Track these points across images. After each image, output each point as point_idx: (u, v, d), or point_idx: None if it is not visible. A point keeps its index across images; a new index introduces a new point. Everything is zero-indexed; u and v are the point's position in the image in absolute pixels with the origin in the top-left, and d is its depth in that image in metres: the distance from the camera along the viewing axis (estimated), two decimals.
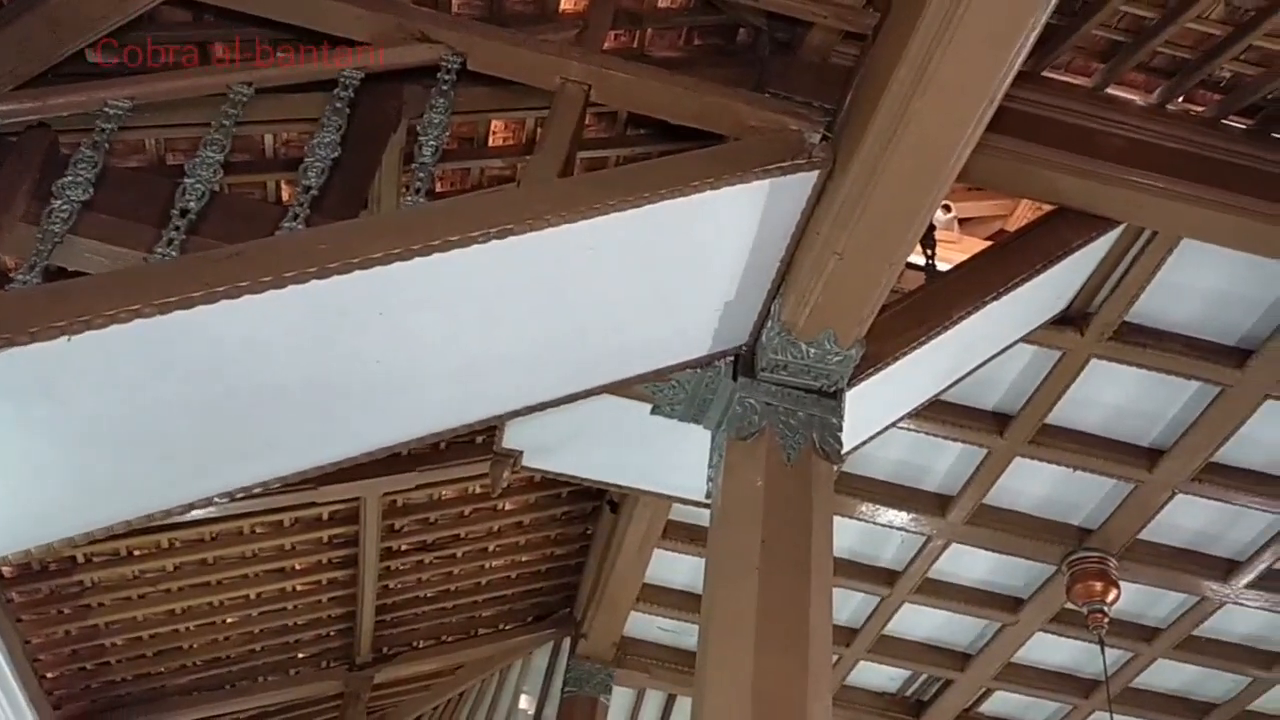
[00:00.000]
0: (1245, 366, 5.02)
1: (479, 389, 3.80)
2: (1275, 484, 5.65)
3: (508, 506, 7.00)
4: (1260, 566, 6.08)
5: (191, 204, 3.23)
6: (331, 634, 7.49)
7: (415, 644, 7.82)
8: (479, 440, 5.94)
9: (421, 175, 3.37)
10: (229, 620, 6.94)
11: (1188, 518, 5.96)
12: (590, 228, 3.31)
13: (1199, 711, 7.33)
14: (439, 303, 3.35)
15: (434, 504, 6.74)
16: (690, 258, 3.69)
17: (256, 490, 3.75)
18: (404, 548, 6.93)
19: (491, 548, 7.22)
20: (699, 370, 4.04)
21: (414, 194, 3.34)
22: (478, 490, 6.70)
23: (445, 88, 3.52)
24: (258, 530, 6.36)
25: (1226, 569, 6.19)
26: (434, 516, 6.81)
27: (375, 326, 3.30)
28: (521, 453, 4.76)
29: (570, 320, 3.68)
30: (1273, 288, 4.78)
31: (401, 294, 3.23)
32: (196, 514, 5.71)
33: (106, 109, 3.35)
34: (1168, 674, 7.13)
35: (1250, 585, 6.19)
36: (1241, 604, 6.34)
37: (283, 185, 4.40)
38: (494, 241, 3.17)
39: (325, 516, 6.44)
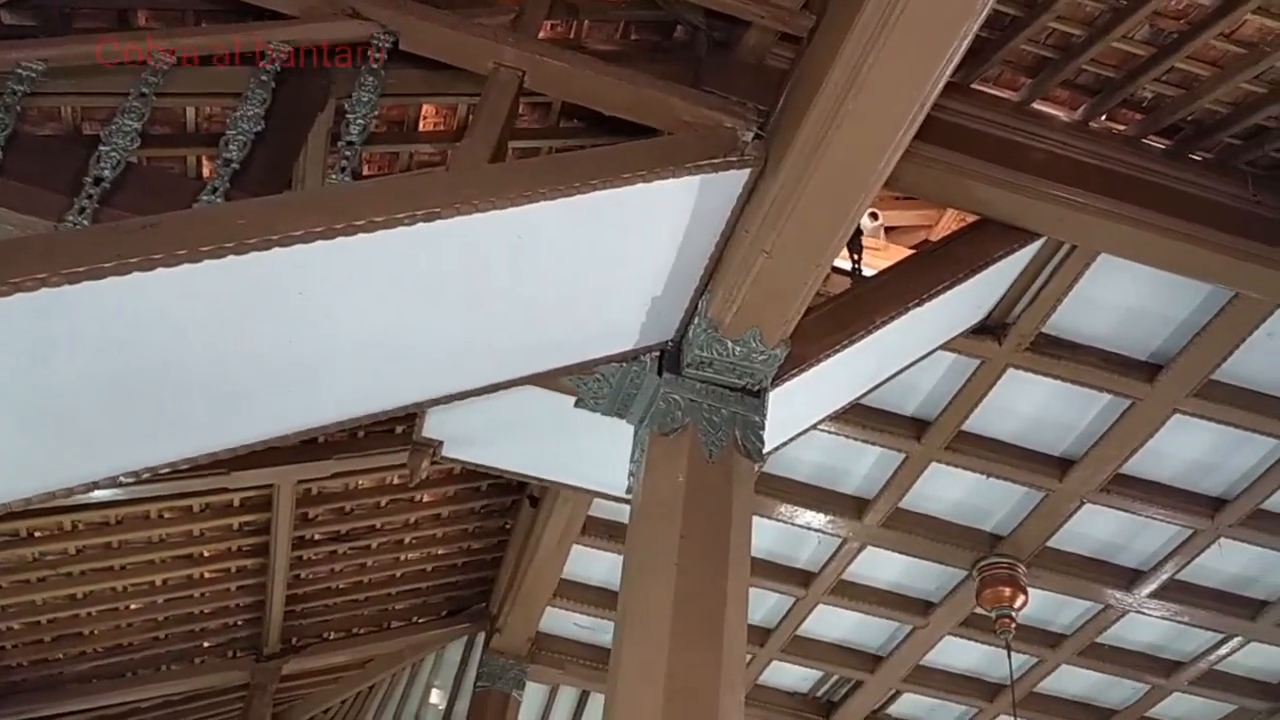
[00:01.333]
0: (1155, 381, 5.16)
1: (399, 375, 3.73)
2: (1180, 496, 5.82)
3: (426, 498, 6.92)
4: (1163, 577, 6.26)
5: (106, 172, 3.12)
6: (239, 623, 7.34)
7: (325, 635, 7.70)
8: (398, 430, 5.87)
9: (348, 154, 3.30)
10: (132, 607, 6.77)
11: (1095, 527, 6.11)
12: (519, 215, 3.27)
13: (1100, 717, 7.53)
14: (361, 285, 3.28)
15: (350, 493, 6.64)
16: (619, 250, 3.68)
17: (164, 471, 3.64)
18: (317, 537, 6.81)
19: (407, 539, 7.14)
20: (624, 364, 4.02)
21: (339, 173, 3.27)
22: (395, 481, 6.61)
23: (375, 66, 3.45)
24: (166, 515, 6.21)
25: (1130, 578, 6.36)
26: (349, 506, 6.71)
27: (294, 306, 3.23)
28: (441, 443, 4.70)
29: (495, 308, 3.64)
30: (1184, 305, 4.91)
31: (322, 274, 3.16)
32: (102, 496, 5.56)
33: (19, 70, 3.23)
34: (1071, 680, 7.31)
35: (1153, 595, 6.37)
36: (1144, 613, 6.52)
37: (203, 161, 4.29)
38: (420, 224, 3.12)
39: (236, 503, 6.31)
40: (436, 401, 3.94)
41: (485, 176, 3.29)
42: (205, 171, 4.24)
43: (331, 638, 7.72)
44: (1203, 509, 5.84)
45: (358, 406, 3.77)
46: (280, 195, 3.28)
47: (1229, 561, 6.19)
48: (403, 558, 7.32)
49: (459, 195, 3.18)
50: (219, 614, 7.18)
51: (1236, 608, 6.46)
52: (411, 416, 4.59)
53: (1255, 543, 6.01)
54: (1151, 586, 6.31)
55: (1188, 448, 5.58)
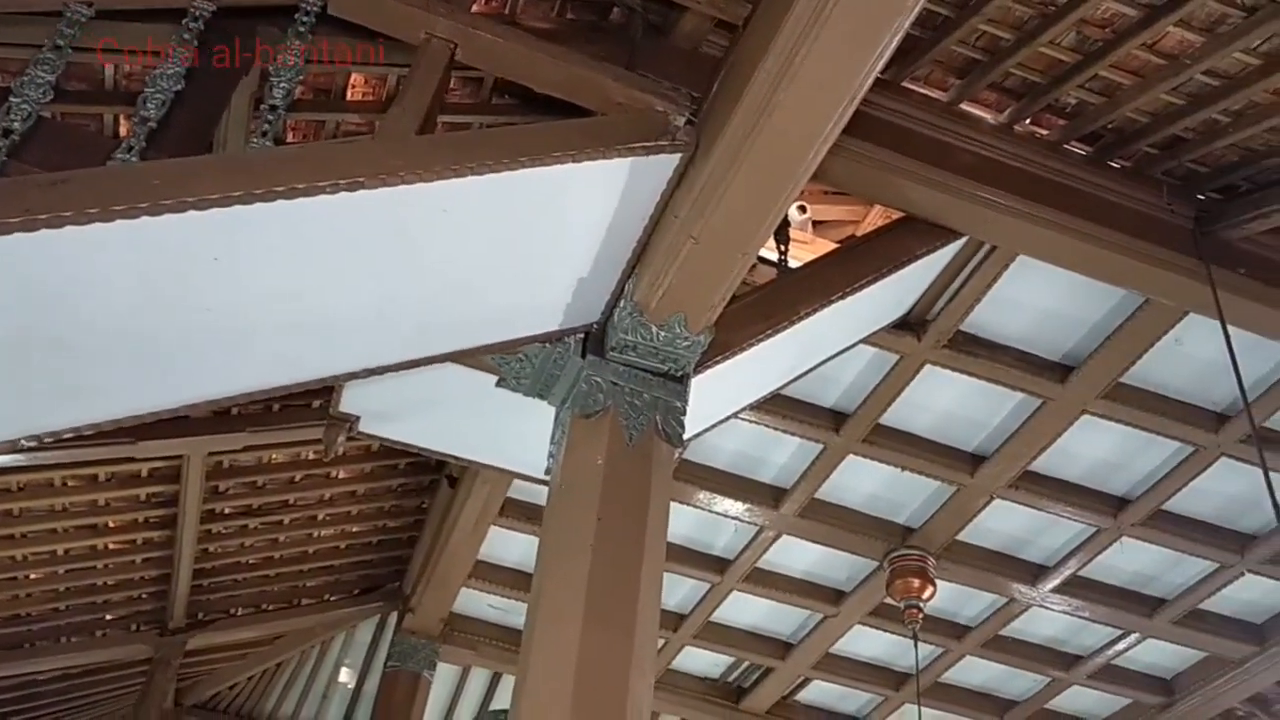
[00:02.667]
0: (1066, 382, 5.28)
1: (316, 346, 3.67)
2: (1085, 495, 5.97)
3: (341, 474, 6.83)
4: (1066, 572, 6.42)
5: (16, 124, 3.00)
6: (143, 596, 7.18)
7: (233, 611, 7.57)
8: (314, 404, 5.77)
9: (271, 119, 3.22)
10: (32, 576, 6.59)
11: (1003, 522, 6.25)
12: (446, 189, 3.23)
13: (1001, 708, 7.72)
14: (279, 253, 3.21)
15: (262, 467, 6.52)
16: (547, 230, 3.65)
17: (69, 437, 3.53)
18: (227, 511, 6.68)
19: (321, 516, 7.04)
20: (548, 345, 4.00)
21: (261, 138, 3.18)
22: (310, 456, 6.52)
23: (302, 29, 3.37)
24: (70, 484, 6.04)
25: (1035, 573, 6.51)
26: (262, 480, 6.59)
27: (208, 271, 3.15)
28: (358, 417, 4.63)
29: (418, 283, 3.59)
30: (1097, 308, 5.03)
31: (239, 240, 3.08)
32: (2, 461, 5.38)
33: None
34: (974, 671, 7.48)
35: (1056, 590, 6.53)
36: (1046, 607, 6.68)
37: (121, 120, 4.16)
38: (343, 193, 3.05)
39: (144, 473, 6.16)
40: (354, 375, 3.88)
41: (412, 148, 3.24)
42: (123, 131, 4.11)
43: (239, 613, 7.60)
44: (1107, 508, 6.00)
45: (272, 377, 3.70)
46: (198, 157, 3.18)
47: (1130, 560, 6.37)
48: (316, 534, 7.21)
49: (384, 166, 3.13)
50: (123, 586, 7.02)
51: (1135, 605, 6.65)
52: (328, 390, 4.52)
53: (1155, 542, 6.18)
54: (1055, 582, 6.47)
55: (1095, 448, 5.72)
